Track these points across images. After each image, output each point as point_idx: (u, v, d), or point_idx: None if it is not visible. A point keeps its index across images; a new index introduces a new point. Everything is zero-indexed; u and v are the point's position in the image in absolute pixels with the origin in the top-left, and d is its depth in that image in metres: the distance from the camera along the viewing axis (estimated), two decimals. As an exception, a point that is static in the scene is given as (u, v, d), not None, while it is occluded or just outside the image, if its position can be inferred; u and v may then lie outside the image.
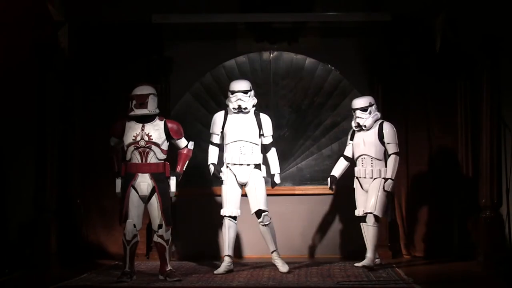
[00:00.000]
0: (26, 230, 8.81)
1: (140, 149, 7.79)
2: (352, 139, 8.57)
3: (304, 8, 9.34)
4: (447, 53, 9.02)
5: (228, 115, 8.31)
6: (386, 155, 8.40)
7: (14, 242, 8.97)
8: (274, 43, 9.54)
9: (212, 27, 9.42)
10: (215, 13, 9.28)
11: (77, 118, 9.29)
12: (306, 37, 9.51)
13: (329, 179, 8.61)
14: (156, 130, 7.84)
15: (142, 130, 7.81)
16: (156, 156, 7.83)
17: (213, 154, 8.32)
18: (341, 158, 8.66)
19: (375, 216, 8.29)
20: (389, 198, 8.42)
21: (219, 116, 8.37)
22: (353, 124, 8.48)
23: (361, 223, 8.45)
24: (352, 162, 8.59)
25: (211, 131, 8.38)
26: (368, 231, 8.33)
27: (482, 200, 8.81)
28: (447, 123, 9.25)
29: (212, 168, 8.28)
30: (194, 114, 9.50)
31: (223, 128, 8.30)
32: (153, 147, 7.81)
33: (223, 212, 8.25)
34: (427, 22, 9.04)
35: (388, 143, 8.38)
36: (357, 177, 8.52)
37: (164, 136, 7.87)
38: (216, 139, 8.34)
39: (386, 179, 8.31)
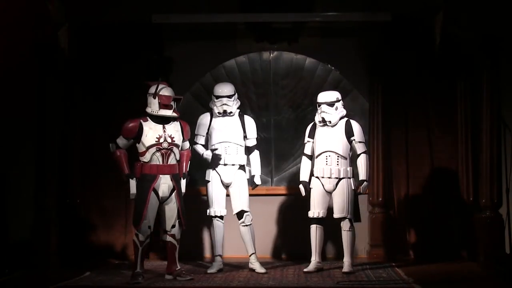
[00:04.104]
0: (26, 230, 8.81)
1: (162, 151, 7.80)
2: (311, 136, 8.32)
3: (304, 8, 9.33)
4: (447, 53, 9.03)
5: (213, 118, 8.38)
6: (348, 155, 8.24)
7: (14, 242, 8.97)
8: (274, 43, 9.54)
9: (212, 27, 9.42)
10: (215, 13, 9.28)
11: (77, 118, 9.28)
12: (306, 37, 9.51)
13: (301, 186, 8.31)
14: (176, 132, 7.89)
15: (164, 131, 7.82)
16: (175, 157, 7.88)
17: (201, 148, 8.37)
18: (304, 158, 8.37)
19: (350, 220, 8.16)
20: (357, 199, 8.29)
21: (205, 118, 8.45)
22: (317, 118, 8.24)
23: (313, 225, 8.20)
24: (311, 160, 8.33)
25: (196, 133, 8.42)
26: (346, 236, 8.15)
27: (482, 200, 8.81)
28: (447, 123, 9.25)
29: (209, 153, 8.29)
30: (194, 114, 9.48)
31: (208, 130, 8.37)
32: (174, 148, 7.84)
33: (210, 212, 8.31)
34: (427, 22, 9.05)
35: (358, 142, 8.20)
36: (317, 177, 8.21)
37: (182, 137, 7.93)
38: (201, 140, 8.42)
39: (361, 181, 8.16)
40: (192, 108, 9.53)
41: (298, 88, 9.58)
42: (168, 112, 7.83)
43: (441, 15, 8.84)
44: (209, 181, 8.34)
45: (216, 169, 8.31)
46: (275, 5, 9.25)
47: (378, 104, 9.26)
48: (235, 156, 8.33)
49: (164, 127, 7.85)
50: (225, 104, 8.30)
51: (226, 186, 8.36)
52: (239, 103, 8.44)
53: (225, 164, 8.30)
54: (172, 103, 7.84)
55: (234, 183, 8.33)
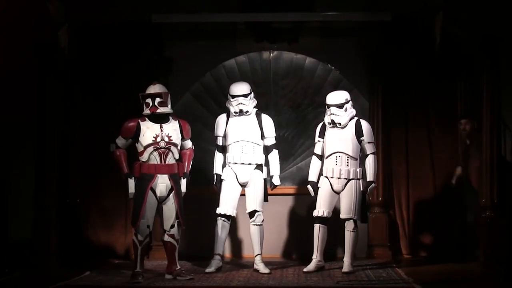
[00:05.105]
0: (26, 230, 8.81)
1: (160, 150, 7.79)
2: (321, 136, 8.28)
3: (304, 8, 9.34)
4: (447, 53, 9.03)
5: (230, 118, 8.33)
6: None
7: (14, 242, 8.97)
8: (274, 43, 9.55)
9: (212, 27, 9.42)
10: (215, 13, 9.28)
11: (77, 118, 9.29)
12: (306, 37, 9.51)
13: (309, 186, 8.30)
14: (174, 131, 7.86)
15: (162, 130, 7.81)
16: (173, 157, 7.86)
17: (218, 163, 8.36)
18: (314, 158, 8.34)
19: (355, 221, 8.14)
20: (365, 200, 8.28)
21: (221, 118, 8.41)
22: (327, 120, 8.19)
23: (317, 224, 8.17)
24: (322, 160, 8.31)
25: (215, 134, 8.41)
26: (349, 236, 8.13)
27: (482, 200, 8.81)
28: (447, 123, 9.25)
29: (215, 178, 8.34)
30: (194, 114, 9.50)
31: (225, 130, 8.32)
32: (172, 147, 7.82)
33: (218, 210, 8.28)
34: (427, 22, 9.05)
35: (368, 142, 8.15)
36: (326, 177, 8.19)
37: (180, 136, 7.90)
38: (220, 141, 8.38)
39: (369, 182, 8.11)
40: (192, 108, 9.53)
41: (298, 88, 9.58)
42: (164, 110, 7.82)
43: (441, 15, 8.83)
44: (224, 180, 8.30)
45: (233, 168, 8.28)
46: (275, 5, 9.26)
47: (378, 104, 9.27)
48: (252, 155, 8.26)
49: (161, 126, 7.84)
50: (241, 104, 8.23)
51: (243, 186, 8.31)
52: (255, 102, 8.38)
53: (241, 163, 8.27)
54: (148, 100, 7.80)
55: (251, 183, 8.27)
